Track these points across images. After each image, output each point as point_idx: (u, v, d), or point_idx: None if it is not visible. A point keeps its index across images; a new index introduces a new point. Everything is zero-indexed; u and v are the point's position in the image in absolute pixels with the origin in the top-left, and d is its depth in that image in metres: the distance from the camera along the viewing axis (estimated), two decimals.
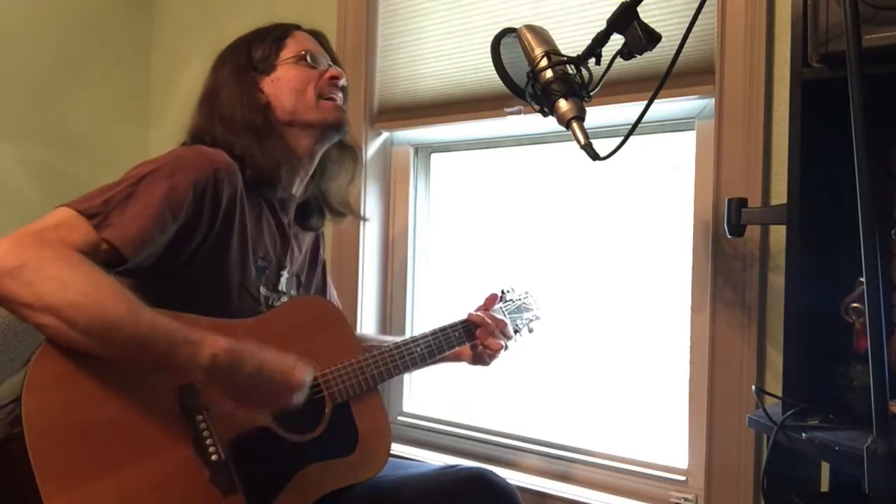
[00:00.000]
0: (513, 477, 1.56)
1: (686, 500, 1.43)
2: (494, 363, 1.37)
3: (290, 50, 1.23)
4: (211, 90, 1.23)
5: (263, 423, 1.05)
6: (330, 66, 1.26)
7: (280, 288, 1.23)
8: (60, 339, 0.88)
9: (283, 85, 1.20)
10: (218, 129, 1.16)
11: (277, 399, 1.00)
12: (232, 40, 1.27)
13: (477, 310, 1.40)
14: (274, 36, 1.24)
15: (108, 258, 0.95)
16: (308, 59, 1.22)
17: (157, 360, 0.92)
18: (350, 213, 1.40)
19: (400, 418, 1.87)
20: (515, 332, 1.43)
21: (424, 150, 1.92)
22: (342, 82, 1.25)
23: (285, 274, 1.24)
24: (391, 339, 1.37)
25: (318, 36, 1.31)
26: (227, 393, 0.97)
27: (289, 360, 1.01)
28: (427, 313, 1.90)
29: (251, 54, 1.23)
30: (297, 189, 1.27)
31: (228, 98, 1.19)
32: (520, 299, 1.51)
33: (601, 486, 1.54)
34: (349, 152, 1.35)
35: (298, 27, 1.29)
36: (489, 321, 1.34)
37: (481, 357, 1.36)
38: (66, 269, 0.88)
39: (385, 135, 1.89)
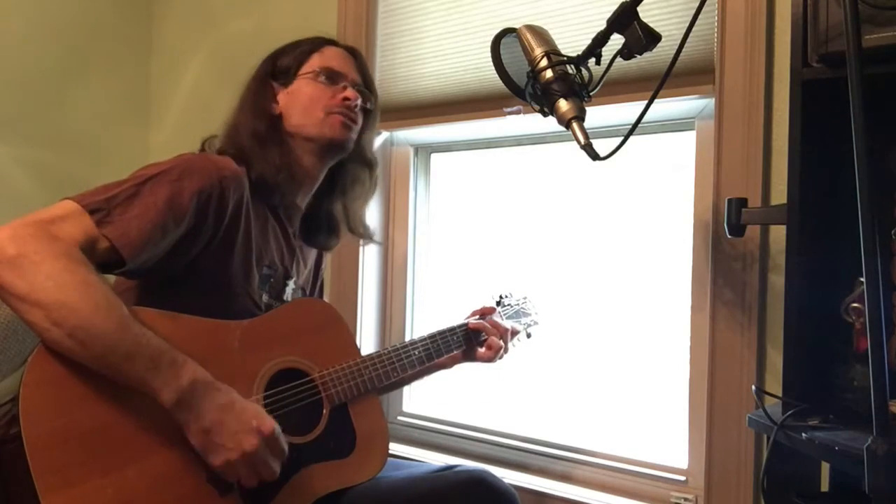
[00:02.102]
0: (512, 477, 1.56)
1: (686, 500, 1.43)
2: (500, 361, 1.38)
3: (311, 65, 1.22)
4: (242, 94, 1.25)
5: None
6: (347, 86, 1.22)
7: (285, 297, 1.22)
8: (44, 336, 0.87)
9: (296, 99, 1.21)
10: (223, 131, 1.18)
11: (241, 439, 0.93)
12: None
13: (472, 315, 1.41)
14: (303, 49, 1.24)
15: (106, 257, 0.95)
16: (323, 77, 1.21)
17: (135, 376, 0.90)
18: (369, 236, 1.39)
19: (400, 418, 1.87)
20: (514, 335, 1.43)
21: (424, 151, 1.92)
22: (357, 103, 1.22)
23: (291, 284, 1.24)
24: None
25: (353, 54, 1.29)
26: (193, 422, 0.92)
27: (262, 410, 0.99)
28: (427, 313, 1.90)
29: (276, 64, 1.24)
30: (302, 201, 1.26)
31: (245, 103, 1.22)
32: (518, 304, 1.51)
33: (601, 486, 1.54)
34: (373, 173, 1.35)
35: (333, 42, 1.27)
36: (489, 327, 1.36)
37: (485, 356, 1.37)
38: (63, 270, 0.87)
39: (385, 135, 1.88)
